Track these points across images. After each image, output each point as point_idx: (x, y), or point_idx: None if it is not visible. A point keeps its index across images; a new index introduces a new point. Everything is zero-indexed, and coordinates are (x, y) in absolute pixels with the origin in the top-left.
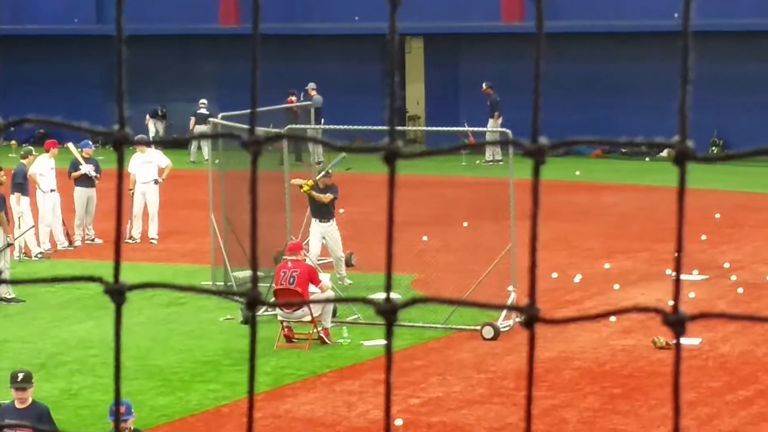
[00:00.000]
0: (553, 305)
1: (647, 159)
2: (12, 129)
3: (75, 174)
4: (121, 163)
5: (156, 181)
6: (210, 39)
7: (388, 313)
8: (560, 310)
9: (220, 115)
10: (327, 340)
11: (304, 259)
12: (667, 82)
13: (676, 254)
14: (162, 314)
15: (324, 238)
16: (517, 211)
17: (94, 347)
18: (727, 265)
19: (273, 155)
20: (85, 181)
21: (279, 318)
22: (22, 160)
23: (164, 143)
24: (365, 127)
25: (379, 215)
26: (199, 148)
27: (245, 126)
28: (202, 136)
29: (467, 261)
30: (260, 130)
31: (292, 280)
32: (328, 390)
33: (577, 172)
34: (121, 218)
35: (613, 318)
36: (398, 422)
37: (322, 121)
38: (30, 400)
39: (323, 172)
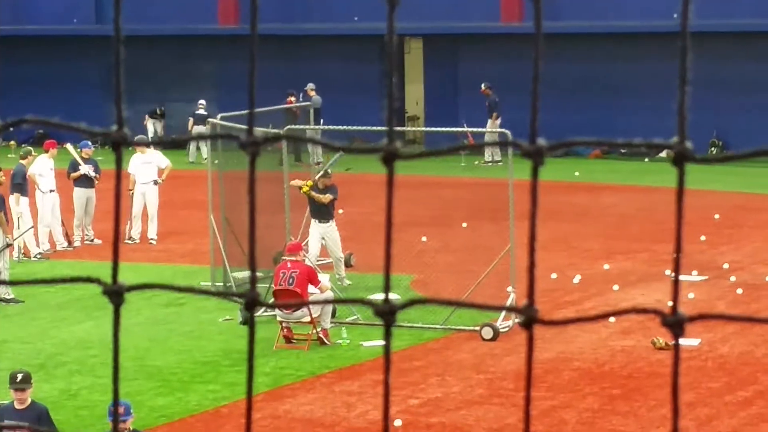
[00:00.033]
0: (553, 306)
1: (646, 160)
2: (11, 129)
3: (74, 174)
4: (119, 163)
5: (155, 182)
6: (209, 39)
7: (387, 314)
8: (559, 311)
9: (219, 116)
10: (326, 341)
11: (304, 260)
12: (666, 83)
13: (675, 255)
14: (161, 315)
15: (323, 238)
16: (516, 212)
17: (94, 348)
18: (726, 265)
19: (272, 156)
20: (85, 181)
21: (278, 319)
22: (21, 161)
23: (163, 144)
24: (364, 128)
25: (379, 216)
26: (198, 148)
27: (244, 126)
28: (201, 137)
29: (466, 261)
30: (259, 131)
31: (291, 280)
32: (327, 391)
33: (577, 173)
34: (119, 219)
35: (612, 319)
36: (397, 423)
37: (322, 121)
38: (29, 401)
39: (321, 173)
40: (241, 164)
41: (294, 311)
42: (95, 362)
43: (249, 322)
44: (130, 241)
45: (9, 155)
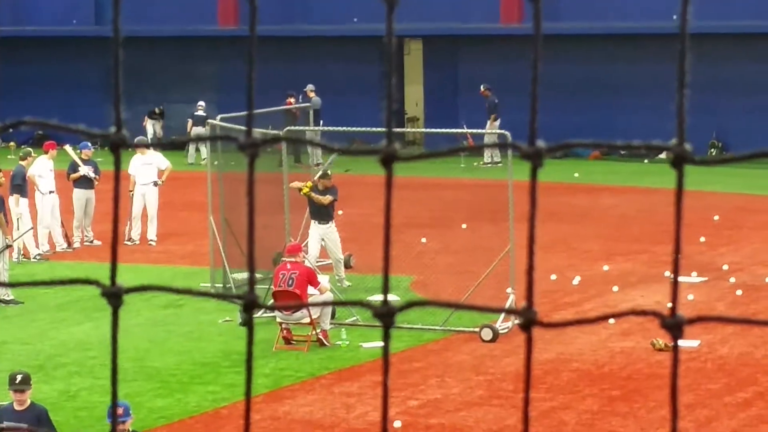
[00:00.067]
0: (552, 307)
1: (646, 161)
2: (11, 131)
3: (74, 175)
4: (118, 165)
5: (155, 183)
6: (209, 40)
7: (385, 316)
8: (559, 312)
9: (218, 117)
10: (326, 342)
11: (303, 261)
12: (666, 84)
13: (674, 257)
14: (160, 316)
15: (323, 239)
16: (516, 213)
17: (93, 349)
18: (726, 267)
19: (272, 157)
20: (84, 182)
21: (278, 320)
22: (20, 162)
23: (162, 145)
24: (364, 129)
25: (378, 217)
26: (198, 149)
27: (243, 128)
28: (200, 138)
29: (466, 263)
30: (258, 132)
31: (290, 281)
32: (326, 392)
33: (576, 174)
34: (118, 221)
35: (612, 320)
36: (397, 424)
37: (321, 122)
38: (28, 402)
39: (320, 173)
40: (240, 165)
41: (293, 312)
42: (94, 363)
43: (248, 323)
44: (129, 243)
45: (9, 156)
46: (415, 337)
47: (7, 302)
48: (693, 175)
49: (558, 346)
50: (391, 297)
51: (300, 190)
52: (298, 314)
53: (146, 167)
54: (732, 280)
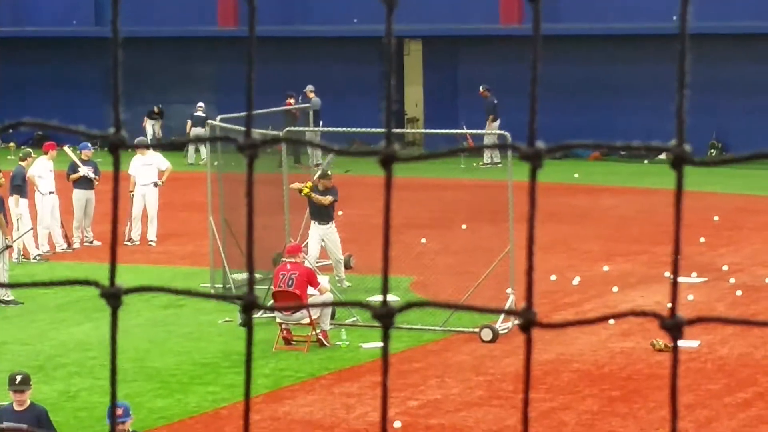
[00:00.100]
0: (552, 308)
1: (646, 161)
2: (10, 131)
3: (74, 176)
4: (117, 166)
5: (155, 184)
6: (208, 41)
7: (385, 317)
8: (559, 313)
9: (218, 118)
10: (325, 343)
11: (303, 262)
12: (666, 84)
13: (674, 257)
14: (160, 316)
15: (323, 240)
16: (515, 214)
17: (93, 349)
18: (725, 267)
19: (271, 157)
20: (84, 183)
21: (277, 320)
22: (20, 162)
23: (162, 146)
24: (364, 130)
25: (378, 218)
26: (197, 150)
27: (243, 128)
28: (200, 139)
29: (466, 263)
30: (257, 133)
31: (290, 282)
32: (326, 392)
33: (576, 175)
34: (117, 222)
35: (611, 321)
36: (397, 424)
37: (321, 123)
38: (28, 403)
39: (319, 173)
40: (240, 166)
41: (293, 313)
42: (94, 364)
43: (247, 324)
44: (129, 243)
45: (8, 157)
46: (414, 338)
47: (7, 303)
48: (693, 176)
49: (558, 346)
50: (391, 297)
51: (300, 191)
52: (298, 315)
53: (146, 168)
54: (732, 280)
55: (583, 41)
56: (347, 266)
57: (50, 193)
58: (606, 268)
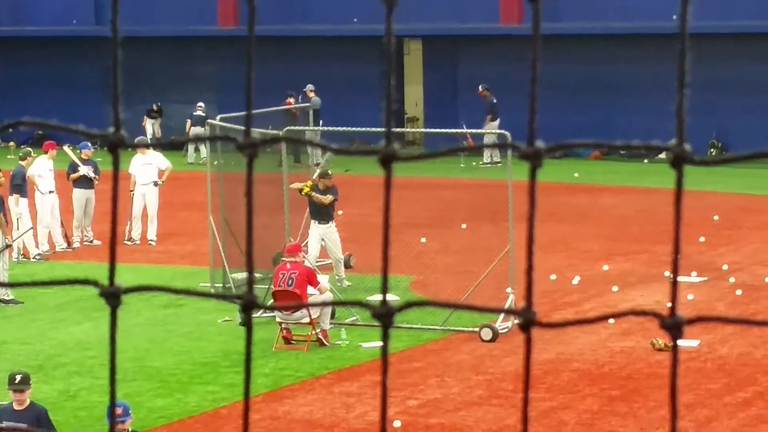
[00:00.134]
0: (552, 307)
1: (646, 161)
2: (10, 131)
3: (74, 175)
4: (116, 165)
5: (155, 183)
6: (208, 41)
7: (384, 316)
8: (558, 312)
9: (218, 117)
10: (325, 342)
11: (303, 261)
12: (666, 84)
13: (673, 257)
14: (160, 316)
15: (323, 239)
16: (515, 213)
17: (93, 349)
18: (725, 266)
19: (271, 157)
20: (84, 182)
21: (277, 320)
22: (20, 162)
23: (162, 145)
24: (364, 129)
25: (378, 217)
26: (197, 149)
27: (242, 128)
28: (200, 138)
29: (466, 263)
30: (257, 132)
31: (290, 281)
32: (326, 392)
33: (576, 174)
34: (116, 222)
35: (611, 320)
36: (396, 424)
37: (321, 122)
38: (28, 402)
39: (318, 172)
40: (240, 165)
41: (293, 312)
42: (94, 363)
43: (247, 324)
44: (129, 242)
45: (8, 156)
46: (414, 337)
47: (6, 302)
48: (693, 175)
49: (558, 345)
50: (391, 297)
51: (301, 190)
52: (297, 314)
53: (146, 167)
54: (732, 280)
55: (583, 41)
56: (347, 265)
57: (50, 192)
58: (606, 267)
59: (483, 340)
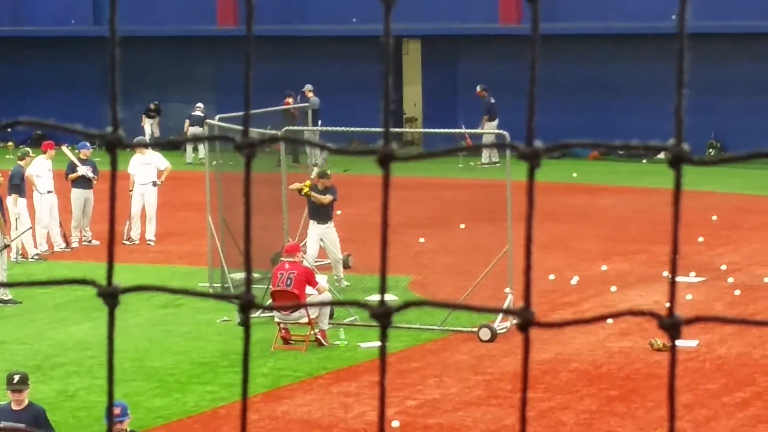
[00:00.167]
0: (550, 307)
1: (644, 161)
2: (9, 130)
3: (72, 175)
4: (114, 165)
5: (154, 183)
6: (208, 40)
7: (383, 316)
8: (557, 312)
9: (216, 117)
10: (324, 342)
11: (302, 261)
12: (665, 84)
13: (672, 257)
14: (159, 315)
15: (322, 239)
16: (514, 213)
17: (91, 349)
18: (724, 267)
19: (270, 157)
20: (83, 182)
21: (276, 320)
22: (19, 162)
23: (160, 145)
24: (362, 129)
25: (376, 217)
26: (196, 149)
27: (241, 128)
28: (197, 138)
29: (464, 263)
30: (255, 132)
31: (289, 281)
32: (325, 392)
33: (575, 174)
34: (114, 221)
35: (610, 320)
36: (395, 424)
37: (320, 122)
38: (26, 402)
39: (317, 171)
40: (238, 165)
41: (292, 312)
42: (93, 363)
43: (245, 324)
44: (128, 242)
45: (7, 156)
46: (413, 337)
47: (5, 302)
48: (691, 175)
49: (556, 346)
50: (389, 297)
51: (300, 191)
52: (296, 314)
53: (145, 167)
54: (730, 280)
55: (582, 41)
56: (346, 265)
57: (48, 192)
58: (604, 267)
59: (481, 340)
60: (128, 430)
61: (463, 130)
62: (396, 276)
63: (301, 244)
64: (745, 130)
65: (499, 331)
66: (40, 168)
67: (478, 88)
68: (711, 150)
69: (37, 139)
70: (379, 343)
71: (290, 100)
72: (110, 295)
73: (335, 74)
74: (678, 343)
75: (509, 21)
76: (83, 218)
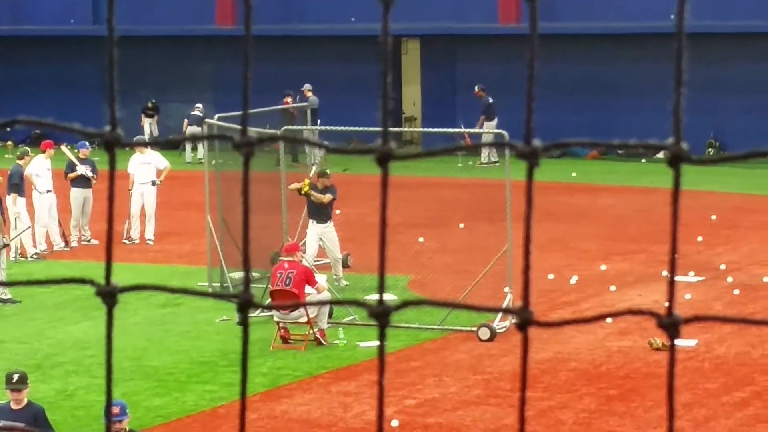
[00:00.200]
0: (550, 306)
1: (644, 160)
2: (8, 130)
3: (71, 175)
4: (112, 164)
5: (153, 182)
6: (207, 40)
7: (381, 315)
8: (556, 312)
9: (216, 116)
10: (323, 341)
11: (301, 260)
12: (664, 83)
13: (671, 257)
14: (158, 315)
15: (321, 239)
16: (513, 213)
17: (90, 348)
18: (723, 266)
19: (269, 156)
20: (82, 181)
21: (275, 319)
22: (18, 161)
23: (159, 144)
24: (361, 128)
25: (376, 216)
26: (195, 148)
27: (239, 127)
28: (196, 137)
29: (464, 262)
30: (254, 131)
31: (288, 281)
32: (324, 391)
33: (574, 174)
34: (113, 220)
35: (609, 319)
36: (394, 423)
37: (319, 122)
38: (25, 401)
39: (314, 169)
40: (237, 165)
41: (291, 312)
42: (92, 362)
43: (243, 323)
44: (128, 242)
45: (6, 155)
46: (412, 337)
47: (4, 301)
48: (690, 175)
49: (555, 345)
50: (388, 296)
51: (299, 190)
52: (295, 313)
53: (144, 166)
54: (729, 279)
55: (581, 40)
56: (345, 265)
57: (48, 191)
58: (604, 267)
59: (481, 340)
60: (127, 429)
61: (462, 130)
62: (395, 275)
63: (300, 244)
64: (744, 129)
65: (498, 331)
66: (39, 167)
67: (476, 89)
68: (710, 149)
69: (36, 138)
70: (378, 343)
71: (289, 99)
72: (109, 295)
73: (334, 74)
74: (677, 342)
75: (508, 21)
76: (82, 217)
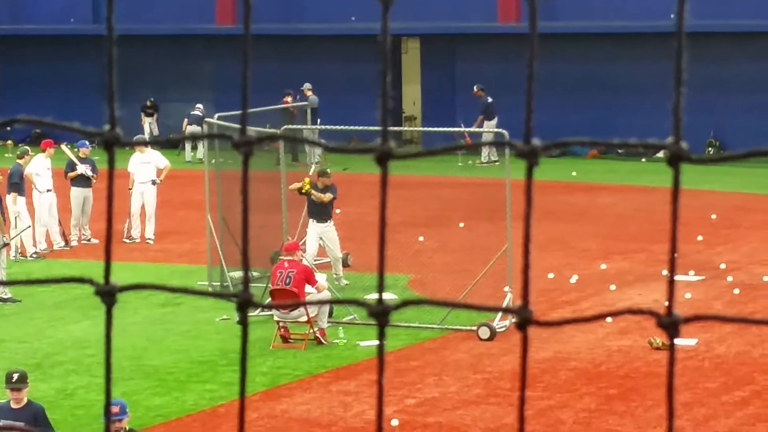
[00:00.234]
0: (549, 306)
1: (644, 160)
2: (8, 129)
3: (71, 174)
4: (111, 163)
5: (153, 182)
6: (207, 39)
7: (381, 315)
8: (556, 311)
9: (216, 116)
10: (323, 341)
11: (301, 260)
12: (664, 83)
13: (670, 256)
14: (158, 314)
15: (321, 238)
16: (513, 212)
17: (90, 347)
18: (723, 266)
19: (269, 155)
20: (82, 181)
21: (275, 318)
22: (18, 160)
23: (159, 143)
24: (361, 128)
25: (375, 216)
26: (194, 147)
27: (239, 126)
28: (196, 136)
29: (464, 261)
30: (253, 130)
31: (288, 280)
32: (324, 390)
33: (574, 173)
34: (112, 220)
35: (609, 319)
36: (394, 422)
37: (319, 121)
38: (25, 401)
39: (314, 168)
40: (237, 164)
41: (291, 311)
42: (92, 362)
43: (243, 323)
44: (128, 241)
45: (6, 155)
46: (412, 336)
47: (4, 300)
48: (690, 174)
49: (555, 344)
50: (388, 296)
51: (300, 190)
52: (295, 313)
53: (144, 166)
54: (729, 279)
55: (581, 39)
56: (345, 264)
57: (48, 191)
58: (604, 266)
59: (481, 339)
60: (127, 428)
61: (462, 129)
62: (395, 275)
63: (300, 243)
64: (744, 128)
65: (498, 330)
66: (40, 166)
67: (475, 88)
68: (710, 149)
69: (37, 137)
70: (378, 342)
71: (289, 98)
72: (108, 294)
73: (334, 73)
74: (677, 341)
75: (508, 20)
76: (82, 217)
